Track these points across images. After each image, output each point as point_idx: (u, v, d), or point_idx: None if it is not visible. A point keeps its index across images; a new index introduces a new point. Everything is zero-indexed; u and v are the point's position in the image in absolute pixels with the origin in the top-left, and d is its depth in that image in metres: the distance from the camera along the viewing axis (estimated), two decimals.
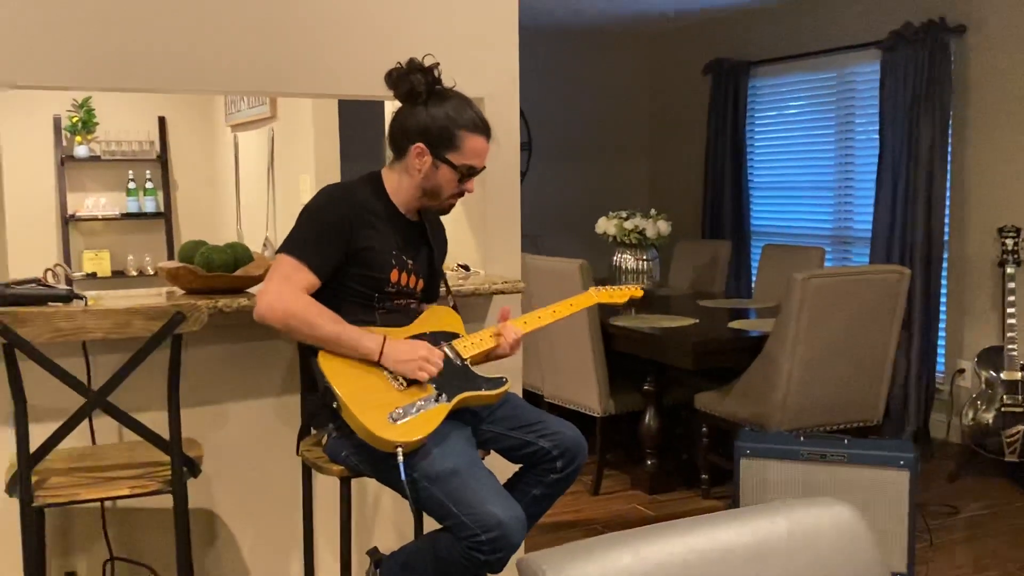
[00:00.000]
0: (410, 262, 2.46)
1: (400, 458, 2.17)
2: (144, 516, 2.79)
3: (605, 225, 5.21)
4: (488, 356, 2.53)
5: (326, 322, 2.27)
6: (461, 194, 2.48)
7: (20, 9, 2.57)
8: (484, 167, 2.47)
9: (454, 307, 2.59)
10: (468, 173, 2.43)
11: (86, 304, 2.48)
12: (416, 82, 2.38)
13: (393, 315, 2.44)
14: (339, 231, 2.33)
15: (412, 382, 2.31)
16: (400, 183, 2.45)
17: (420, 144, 2.38)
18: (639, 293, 2.83)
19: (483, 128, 2.43)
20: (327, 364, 2.27)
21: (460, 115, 2.40)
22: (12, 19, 2.56)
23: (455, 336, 2.47)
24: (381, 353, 2.30)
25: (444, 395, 2.32)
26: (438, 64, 2.42)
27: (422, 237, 2.53)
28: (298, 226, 2.36)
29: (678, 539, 1.50)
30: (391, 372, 2.31)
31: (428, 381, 2.32)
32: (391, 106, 2.59)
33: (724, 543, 1.50)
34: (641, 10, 6.44)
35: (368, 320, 2.38)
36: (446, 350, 2.41)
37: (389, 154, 2.51)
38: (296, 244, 2.32)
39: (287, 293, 2.26)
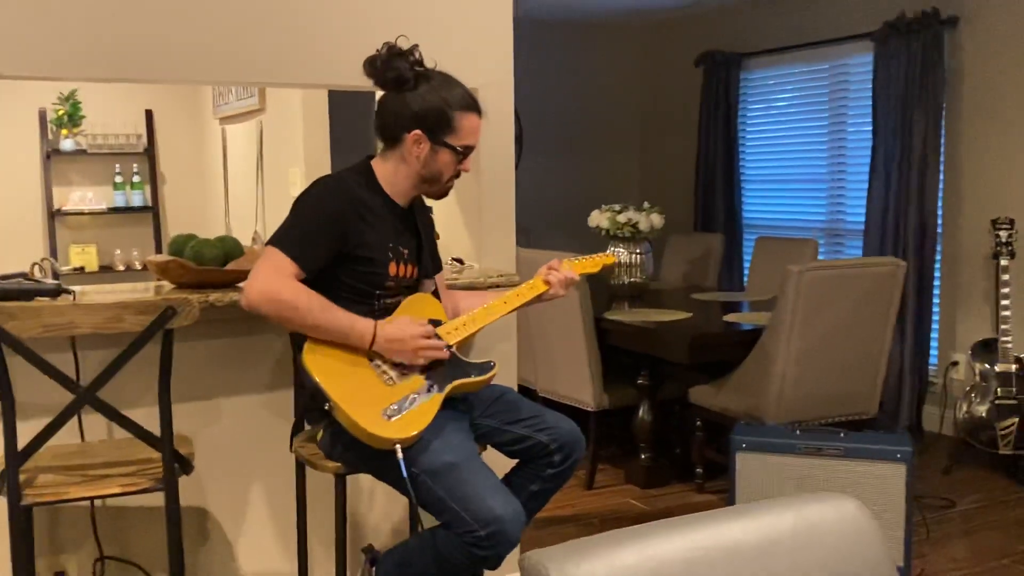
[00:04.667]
0: (405, 251, 2.42)
1: (400, 455, 2.14)
2: (135, 514, 2.74)
3: (598, 218, 5.17)
4: (538, 299, 2.53)
5: (316, 308, 2.22)
6: (458, 175, 2.44)
7: None
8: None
9: (434, 293, 2.54)
10: (466, 153, 2.40)
11: (74, 299, 2.44)
12: (402, 68, 2.33)
13: (389, 310, 2.40)
14: (331, 227, 2.27)
15: (402, 376, 2.27)
16: (396, 173, 2.40)
17: (417, 131, 2.33)
18: (611, 260, 2.78)
19: (475, 105, 2.40)
20: (313, 363, 2.22)
21: (451, 96, 2.35)
22: None
23: (437, 323, 2.42)
24: (373, 340, 2.26)
25: (435, 386, 2.29)
26: (416, 46, 2.37)
27: (411, 224, 2.49)
28: (289, 219, 2.31)
29: (683, 536, 1.47)
30: (379, 365, 2.27)
31: (420, 373, 2.29)
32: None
33: (729, 539, 1.48)
34: (632, 2, 6.40)
35: (367, 316, 2.34)
36: None
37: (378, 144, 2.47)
38: (285, 237, 2.27)
39: (276, 281, 2.21)
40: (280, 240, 2.26)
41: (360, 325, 2.26)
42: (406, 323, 2.30)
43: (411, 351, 2.27)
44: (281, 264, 2.22)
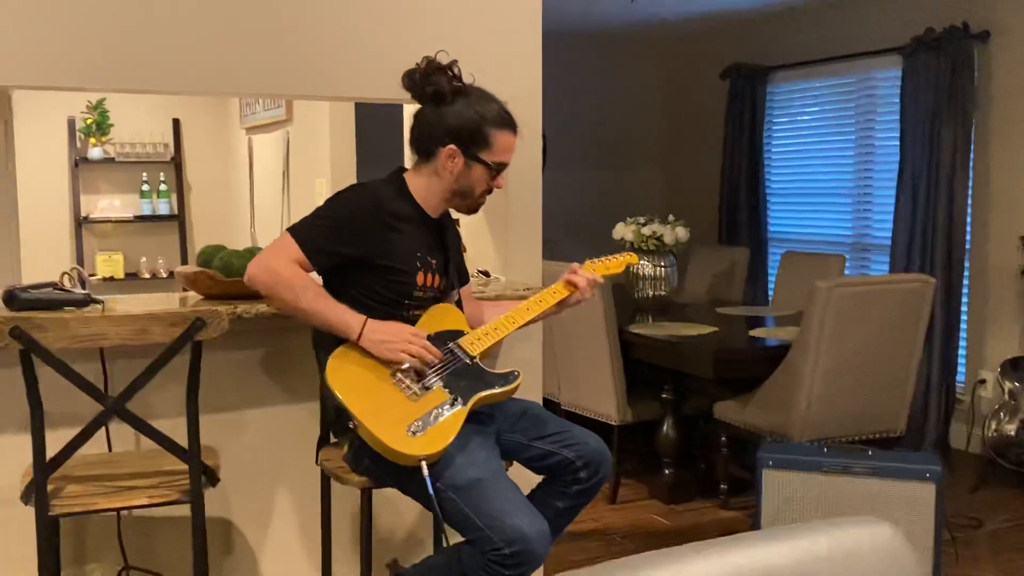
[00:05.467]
0: (433, 262, 2.42)
1: (425, 471, 2.13)
2: (159, 524, 2.75)
3: (623, 231, 5.15)
4: (562, 305, 2.52)
5: (310, 294, 2.25)
6: (491, 191, 2.44)
7: (35, 10, 2.54)
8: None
9: (457, 304, 2.53)
10: (499, 169, 2.40)
11: (103, 309, 2.45)
12: (440, 82, 2.34)
13: (416, 320, 2.40)
14: (349, 230, 2.29)
15: (425, 389, 2.26)
16: (429, 186, 2.40)
17: (452, 146, 2.34)
18: (634, 259, 2.76)
19: (511, 123, 2.41)
20: (337, 381, 2.22)
21: (488, 112, 2.36)
22: (27, 20, 2.53)
23: (460, 334, 2.41)
24: (360, 333, 2.25)
25: (459, 399, 2.27)
26: (456, 61, 2.38)
27: (440, 235, 2.49)
28: (314, 212, 2.34)
29: (716, 558, 1.45)
30: (401, 380, 2.26)
31: (443, 387, 2.27)
32: (409, 109, 2.55)
33: (764, 563, 1.45)
34: (658, 15, 6.39)
35: None
36: (454, 349, 2.36)
37: (409, 157, 2.47)
38: (303, 228, 2.29)
39: (279, 260, 2.24)
40: (296, 229, 2.29)
41: (350, 317, 2.26)
42: (399, 325, 2.30)
43: (399, 343, 2.25)
44: (289, 248, 2.25)
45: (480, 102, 2.36)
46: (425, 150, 2.39)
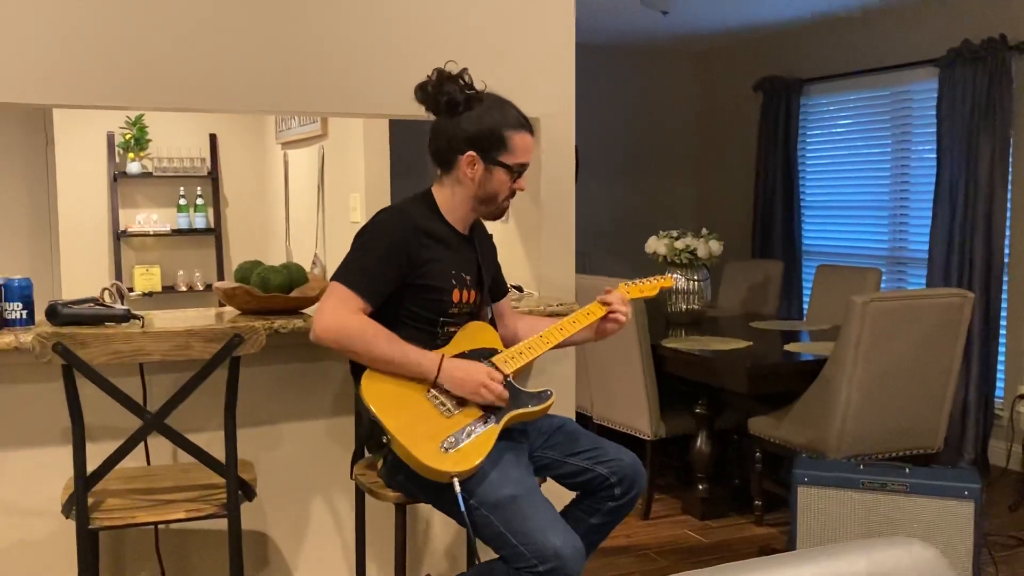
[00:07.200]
0: (468, 278, 2.43)
1: (458, 488, 2.13)
2: (196, 537, 2.77)
3: (655, 244, 5.14)
4: (598, 331, 2.54)
5: (382, 341, 2.25)
6: (513, 194, 2.45)
7: (74, 30, 2.59)
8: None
9: (490, 321, 2.53)
10: (520, 171, 2.41)
11: (142, 324, 2.48)
12: (454, 91, 2.36)
13: (452, 337, 2.41)
14: (394, 258, 2.29)
15: (459, 406, 2.27)
16: (453, 197, 2.42)
17: (471, 153, 2.35)
18: (670, 283, 2.74)
19: (526, 124, 2.42)
20: (371, 395, 2.23)
21: (503, 115, 2.38)
22: (66, 40, 2.58)
23: (493, 352, 2.42)
24: (438, 374, 2.26)
25: (492, 417, 2.28)
26: (466, 69, 2.39)
27: (472, 249, 2.50)
28: (352, 253, 2.33)
29: None
30: (436, 396, 2.27)
31: (477, 404, 2.28)
32: None
33: None
34: (691, 27, 6.38)
35: (430, 344, 2.35)
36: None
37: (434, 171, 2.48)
38: (349, 272, 2.29)
39: (343, 313, 2.24)
40: (344, 274, 2.29)
41: (426, 361, 2.27)
42: (474, 364, 2.31)
43: (474, 385, 2.27)
44: (346, 298, 2.25)
45: (494, 106, 2.38)
46: (445, 160, 2.41)
